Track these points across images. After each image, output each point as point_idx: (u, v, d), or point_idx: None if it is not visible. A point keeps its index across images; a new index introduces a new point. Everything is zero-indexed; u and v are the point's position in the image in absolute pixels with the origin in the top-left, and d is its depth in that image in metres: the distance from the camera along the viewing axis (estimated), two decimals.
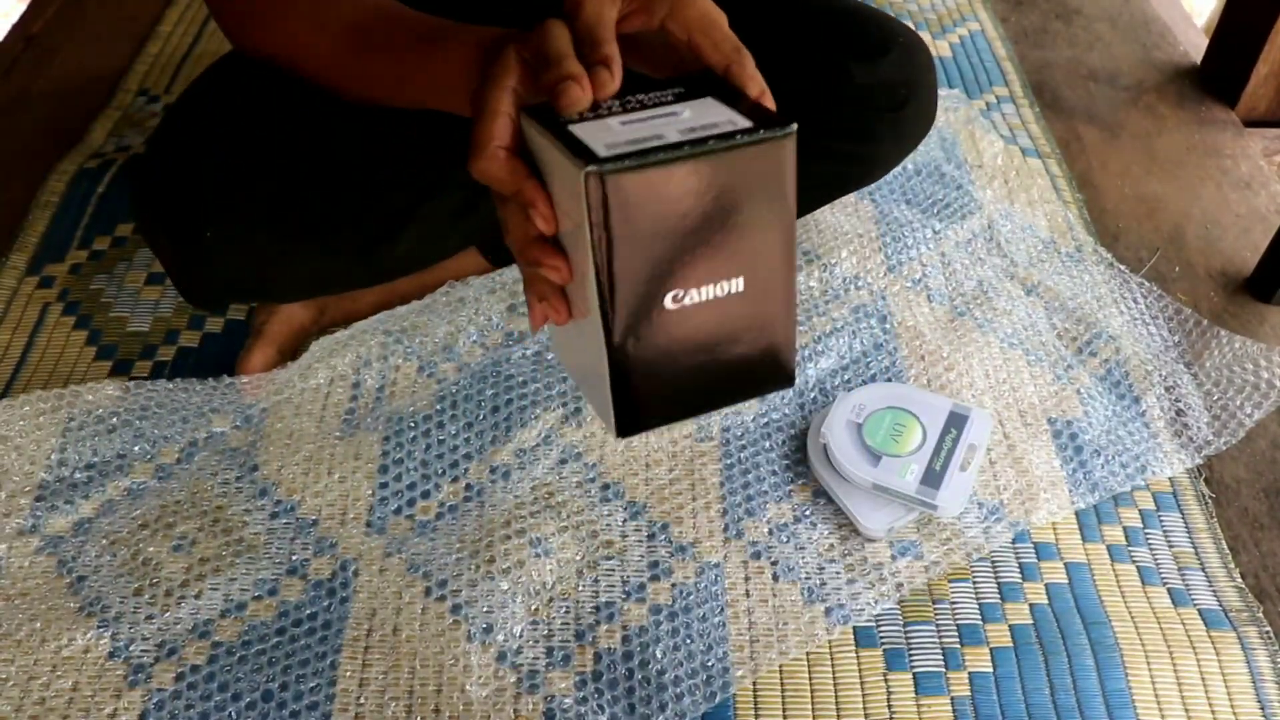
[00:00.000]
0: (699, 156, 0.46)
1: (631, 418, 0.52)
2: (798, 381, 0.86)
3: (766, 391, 0.55)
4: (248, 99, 0.80)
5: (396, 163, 0.80)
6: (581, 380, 0.57)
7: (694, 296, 0.49)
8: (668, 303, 0.49)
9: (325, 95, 0.75)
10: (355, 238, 0.79)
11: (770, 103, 0.52)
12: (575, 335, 0.54)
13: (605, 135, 0.47)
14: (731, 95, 0.51)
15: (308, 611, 0.71)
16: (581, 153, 0.45)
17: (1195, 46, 1.35)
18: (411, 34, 0.65)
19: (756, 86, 0.52)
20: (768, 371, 0.54)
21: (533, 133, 0.51)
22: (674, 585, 0.73)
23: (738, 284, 0.50)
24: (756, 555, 0.75)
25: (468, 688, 0.68)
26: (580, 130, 0.48)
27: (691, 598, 0.73)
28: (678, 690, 0.68)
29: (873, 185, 1.03)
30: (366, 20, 0.67)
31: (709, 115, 0.49)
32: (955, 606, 0.73)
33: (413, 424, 0.82)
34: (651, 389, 0.52)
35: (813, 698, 0.69)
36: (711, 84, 0.52)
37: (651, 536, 0.76)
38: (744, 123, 0.47)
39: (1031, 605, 0.73)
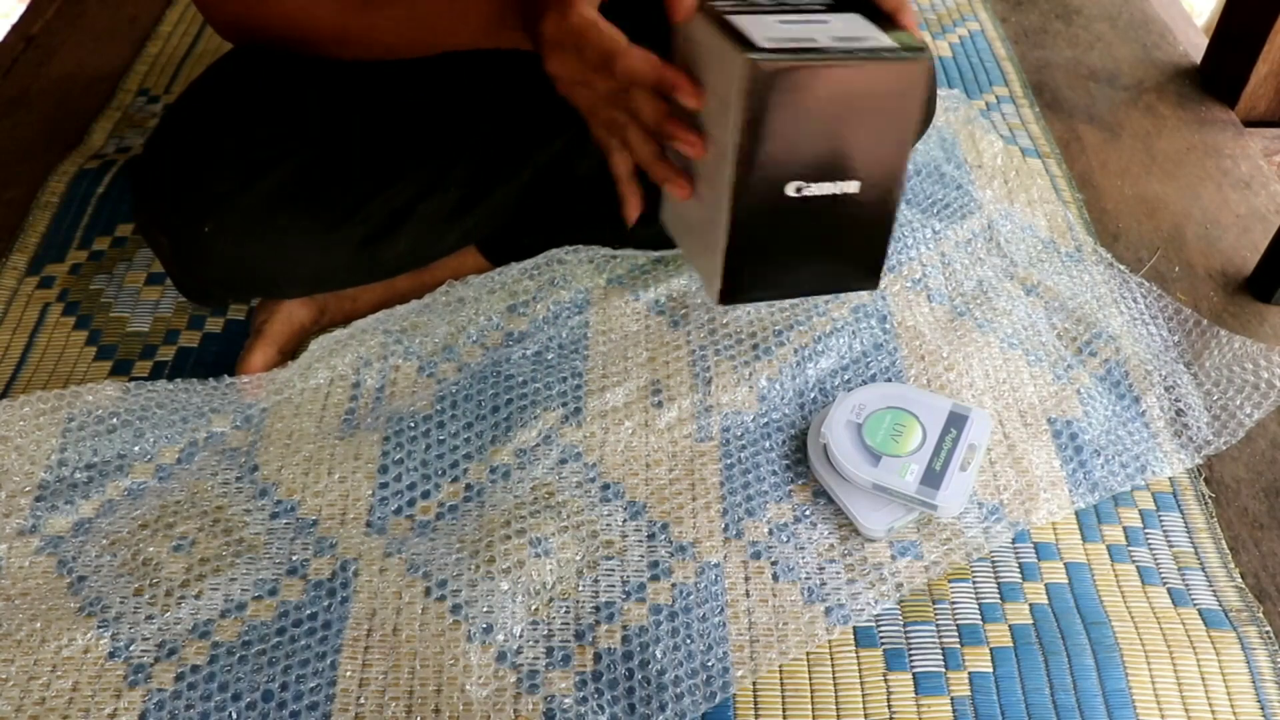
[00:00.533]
0: (846, 63, 0.50)
1: (735, 289, 0.58)
2: (797, 381, 0.86)
3: (852, 289, 0.61)
4: (248, 97, 0.80)
5: (395, 160, 0.80)
6: (690, 249, 0.61)
7: (813, 190, 0.53)
8: (790, 190, 0.53)
9: (324, 92, 0.75)
10: (354, 234, 0.79)
11: (909, 19, 0.55)
12: (694, 209, 0.58)
13: (764, 30, 0.51)
14: (873, 12, 0.55)
15: (308, 611, 0.71)
16: (743, 42, 0.49)
17: (1195, 46, 1.35)
18: None
19: (893, 1, 0.55)
20: (858, 271, 0.60)
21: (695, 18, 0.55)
22: (674, 585, 0.73)
23: (853, 186, 0.54)
24: (756, 555, 0.75)
25: (468, 688, 0.68)
26: (740, 22, 0.51)
27: (691, 598, 0.73)
28: (678, 690, 0.68)
29: None
30: None
31: (855, 29, 0.52)
32: (955, 606, 0.73)
33: (413, 424, 0.82)
34: (758, 266, 0.57)
35: (813, 698, 0.69)
36: (855, 1, 0.56)
37: (651, 536, 0.76)
38: (887, 41, 0.51)
39: (1031, 605, 0.73)
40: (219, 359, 0.89)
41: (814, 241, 0.57)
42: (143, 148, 0.81)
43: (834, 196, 0.54)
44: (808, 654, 0.70)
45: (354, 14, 0.69)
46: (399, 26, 0.68)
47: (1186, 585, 0.75)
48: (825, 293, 0.62)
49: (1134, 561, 0.76)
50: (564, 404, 0.83)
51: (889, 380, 0.87)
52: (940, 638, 0.71)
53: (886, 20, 0.55)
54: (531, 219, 0.91)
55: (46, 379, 0.87)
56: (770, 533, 0.77)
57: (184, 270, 0.79)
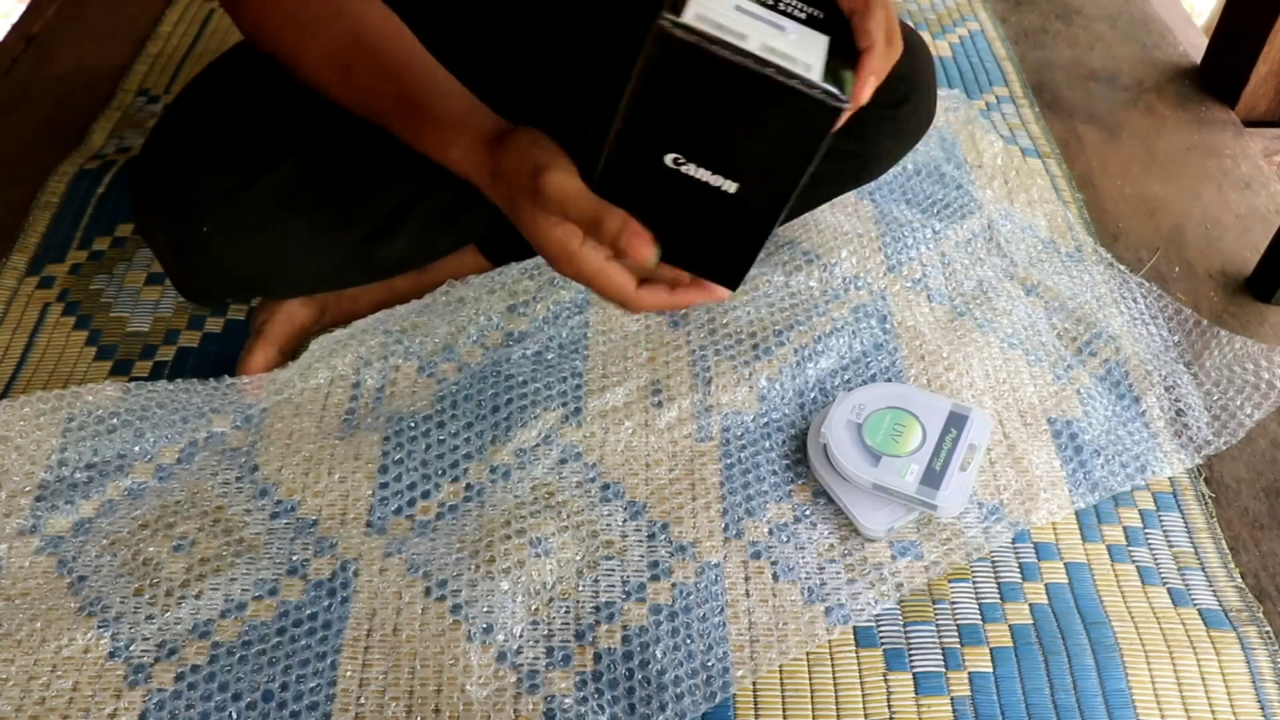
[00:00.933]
0: (752, 71, 0.51)
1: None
2: (797, 381, 0.86)
3: (710, 278, 0.63)
4: (247, 96, 0.80)
5: (394, 159, 0.80)
6: None
7: (690, 170, 0.56)
8: (668, 160, 0.56)
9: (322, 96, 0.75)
10: (352, 234, 0.79)
11: (875, 59, 0.57)
12: None
13: (710, 7, 0.52)
14: (843, 44, 0.56)
15: (308, 611, 0.71)
16: (674, 9, 0.51)
17: (1195, 46, 1.35)
18: (396, 93, 0.67)
19: (867, 40, 0.56)
20: (720, 268, 0.62)
21: None
22: (674, 585, 0.73)
23: (730, 185, 0.56)
24: (756, 555, 0.75)
25: (468, 688, 0.68)
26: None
27: (691, 598, 0.73)
28: (678, 690, 0.68)
29: (872, 185, 1.03)
30: (349, 54, 0.68)
31: (804, 51, 0.53)
32: (955, 606, 0.73)
33: (413, 424, 0.82)
34: (629, 207, 0.59)
35: (813, 698, 0.69)
36: (839, 25, 0.57)
37: (651, 536, 0.76)
38: (816, 75, 0.52)
39: (1031, 605, 0.73)
40: (219, 359, 0.89)
41: (683, 218, 0.59)
42: (142, 146, 0.81)
43: (710, 186, 0.57)
44: (808, 654, 0.70)
45: (334, 80, 0.70)
46: (369, 112, 0.70)
47: (1186, 585, 0.75)
48: (687, 269, 0.63)
49: (1134, 561, 0.76)
50: (564, 404, 0.83)
51: (889, 380, 0.87)
52: (940, 638, 0.71)
53: (850, 51, 0.56)
54: None
55: (46, 379, 0.87)
56: (770, 533, 0.77)
57: (183, 270, 0.79)
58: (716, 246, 0.61)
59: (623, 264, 0.62)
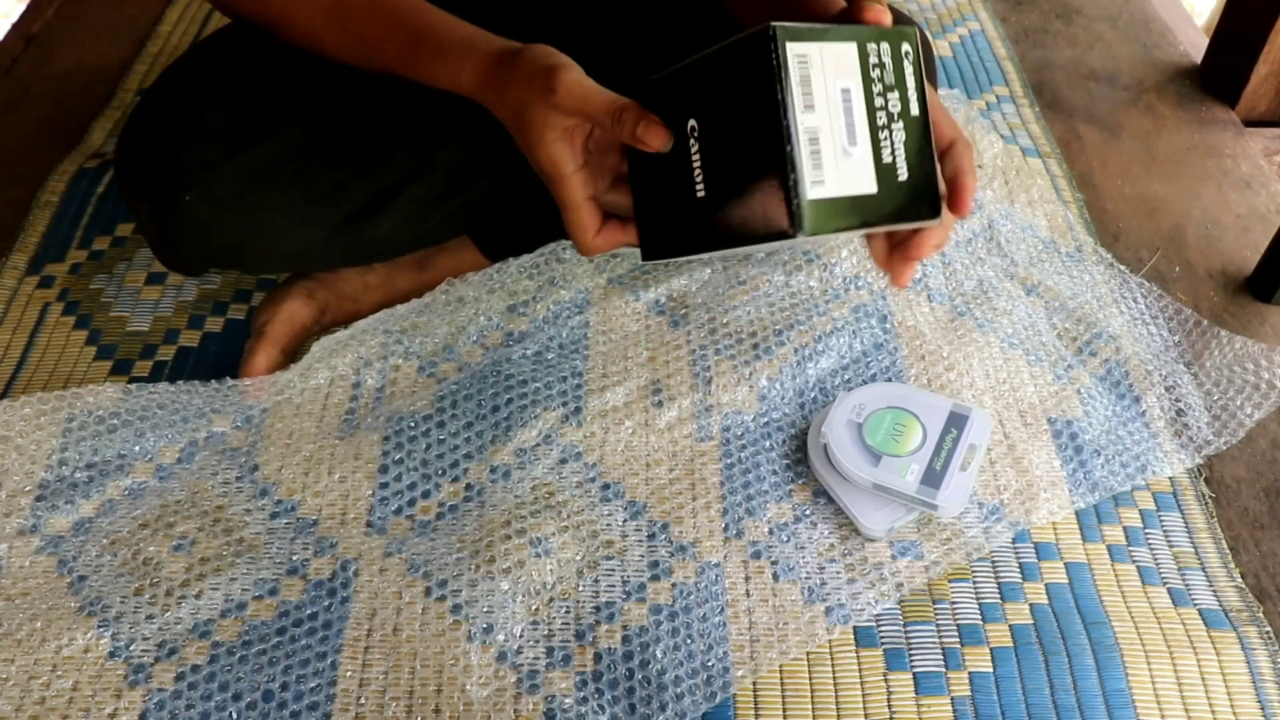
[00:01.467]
0: (773, 132, 0.52)
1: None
2: (797, 380, 0.86)
3: (639, 234, 0.65)
4: (241, 68, 0.80)
5: (383, 141, 0.79)
6: None
7: (692, 146, 0.57)
8: (690, 121, 0.58)
9: (318, 68, 0.75)
10: (337, 213, 0.79)
11: (917, 252, 0.61)
12: None
13: (825, 65, 0.53)
14: (901, 212, 0.57)
15: (308, 611, 0.71)
16: (805, 35, 0.52)
17: (1195, 46, 1.35)
18: (399, 30, 0.66)
19: (917, 251, 0.61)
20: (653, 234, 0.64)
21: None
22: (674, 585, 0.73)
23: (701, 190, 0.58)
24: (756, 555, 0.75)
25: (468, 688, 0.68)
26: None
27: (691, 598, 0.73)
28: (678, 690, 0.68)
29: None
30: (342, 1, 0.68)
31: (839, 175, 0.53)
32: (955, 606, 0.73)
33: (413, 424, 0.82)
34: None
35: (813, 698, 0.69)
36: (916, 198, 0.58)
37: (651, 536, 0.76)
38: (813, 194, 0.52)
39: (1031, 605, 0.73)
40: (219, 359, 0.89)
41: (664, 175, 0.60)
42: (129, 115, 0.81)
43: (692, 173, 0.58)
44: (808, 654, 0.70)
45: (331, 30, 0.70)
46: (372, 57, 0.70)
47: (1186, 585, 0.75)
48: (634, 219, 0.66)
49: (1134, 561, 0.76)
50: (564, 404, 0.83)
51: (889, 380, 0.87)
52: (940, 638, 0.71)
53: (894, 219, 0.57)
54: (525, 211, 0.90)
55: (46, 379, 0.87)
56: (770, 532, 0.77)
57: (163, 238, 0.78)
58: (664, 220, 0.62)
59: (596, 207, 0.63)
